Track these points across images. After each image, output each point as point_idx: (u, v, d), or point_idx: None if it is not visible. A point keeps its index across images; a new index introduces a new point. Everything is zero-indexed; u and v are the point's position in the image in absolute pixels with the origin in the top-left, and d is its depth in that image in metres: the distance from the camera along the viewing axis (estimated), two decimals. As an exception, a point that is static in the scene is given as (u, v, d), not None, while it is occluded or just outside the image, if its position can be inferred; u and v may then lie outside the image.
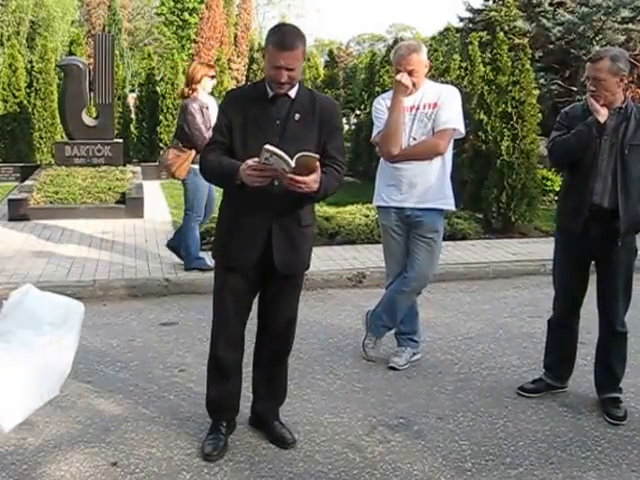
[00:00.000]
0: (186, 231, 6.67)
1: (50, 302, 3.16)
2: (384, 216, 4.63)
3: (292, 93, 3.29)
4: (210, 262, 6.67)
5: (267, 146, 3.00)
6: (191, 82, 6.41)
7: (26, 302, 3.06)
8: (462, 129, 4.46)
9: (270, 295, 3.49)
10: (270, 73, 3.20)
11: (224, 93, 3.51)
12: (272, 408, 3.69)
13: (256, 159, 3.07)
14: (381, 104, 4.55)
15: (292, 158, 3.02)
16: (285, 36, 3.16)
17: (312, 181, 3.09)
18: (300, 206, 3.33)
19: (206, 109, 6.25)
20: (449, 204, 4.54)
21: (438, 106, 4.37)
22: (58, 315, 3.05)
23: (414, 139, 4.41)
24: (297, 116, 3.28)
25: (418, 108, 4.40)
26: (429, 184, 4.41)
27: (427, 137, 4.39)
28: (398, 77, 4.35)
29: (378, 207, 4.69)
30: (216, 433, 3.55)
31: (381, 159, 4.61)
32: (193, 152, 6.20)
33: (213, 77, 6.60)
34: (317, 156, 3.09)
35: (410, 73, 4.34)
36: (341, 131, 3.52)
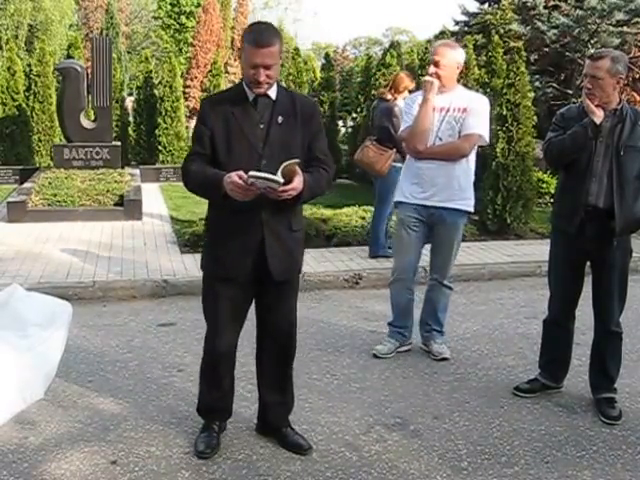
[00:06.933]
0: (379, 223, 7.32)
1: (37, 303, 3.15)
2: (403, 210, 4.77)
3: (272, 94, 3.23)
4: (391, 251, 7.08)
5: (252, 173, 2.98)
6: (395, 89, 7.13)
7: (12, 303, 3.06)
8: (487, 137, 4.65)
9: (268, 302, 3.45)
10: (248, 73, 3.14)
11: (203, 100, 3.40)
12: (283, 415, 3.64)
13: (241, 173, 3.01)
14: (413, 100, 4.74)
15: (277, 170, 3.00)
16: (261, 34, 3.10)
17: (298, 184, 3.07)
18: (289, 210, 3.26)
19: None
20: (469, 205, 4.70)
21: (467, 112, 4.54)
22: (45, 316, 3.04)
23: (440, 139, 4.57)
24: (280, 119, 3.22)
25: (448, 110, 4.57)
26: (451, 184, 4.58)
27: (453, 139, 4.55)
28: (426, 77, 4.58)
29: (398, 202, 4.83)
30: (209, 431, 3.57)
31: (407, 157, 4.81)
32: (394, 150, 6.85)
33: (411, 91, 7.16)
34: (298, 160, 3.08)
35: (437, 64, 4.53)
36: (323, 131, 3.47)
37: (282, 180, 3.00)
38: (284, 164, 3.01)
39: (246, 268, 3.29)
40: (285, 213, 3.27)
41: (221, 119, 3.21)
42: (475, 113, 4.56)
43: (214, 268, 3.40)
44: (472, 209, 4.75)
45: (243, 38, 3.16)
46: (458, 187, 4.60)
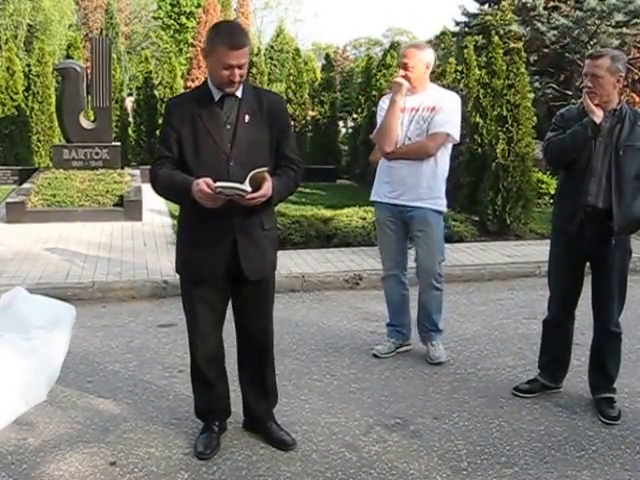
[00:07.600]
0: None
1: (40, 305, 3.15)
2: (378, 211, 4.85)
3: (238, 92, 3.22)
4: None
5: (219, 184, 2.99)
6: None
7: (15, 305, 3.05)
8: (456, 135, 4.59)
9: (243, 301, 3.45)
10: (221, 74, 3.10)
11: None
12: (265, 410, 3.66)
13: (209, 181, 3.01)
14: (385, 103, 4.73)
15: (246, 176, 3.01)
16: (235, 35, 3.09)
17: (266, 190, 3.08)
18: (260, 210, 3.24)
19: None
20: (439, 205, 4.67)
21: (435, 110, 4.52)
22: (48, 318, 3.04)
23: (409, 139, 4.58)
24: (247, 118, 3.21)
25: (418, 110, 4.57)
26: (420, 184, 4.57)
27: (421, 138, 4.54)
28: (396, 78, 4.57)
29: (373, 202, 4.88)
30: (209, 432, 3.57)
31: (381, 157, 4.80)
32: None
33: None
34: (266, 168, 3.08)
35: (405, 66, 4.53)
36: (291, 128, 3.44)
37: (249, 189, 3.02)
38: (252, 172, 3.02)
39: (219, 269, 3.30)
40: (257, 213, 3.27)
41: (187, 121, 3.19)
42: (443, 111, 4.51)
43: (188, 271, 3.40)
44: (443, 208, 4.71)
45: (211, 39, 3.12)
46: (427, 186, 4.57)
